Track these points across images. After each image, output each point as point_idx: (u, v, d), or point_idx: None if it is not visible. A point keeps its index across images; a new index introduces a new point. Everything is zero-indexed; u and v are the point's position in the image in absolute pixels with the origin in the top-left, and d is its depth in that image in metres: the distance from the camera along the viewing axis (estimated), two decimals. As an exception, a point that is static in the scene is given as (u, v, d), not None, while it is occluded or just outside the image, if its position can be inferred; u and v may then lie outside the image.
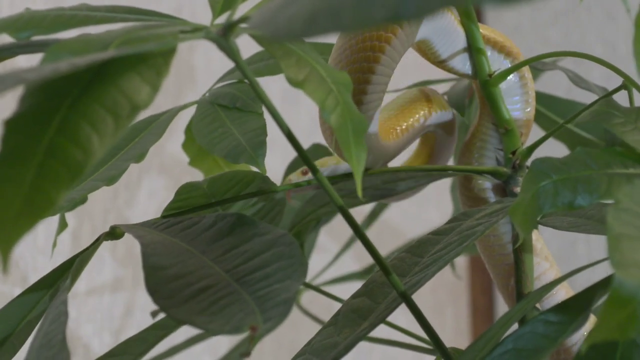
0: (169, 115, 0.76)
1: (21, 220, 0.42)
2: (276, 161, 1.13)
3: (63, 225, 0.78)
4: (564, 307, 0.50)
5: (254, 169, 0.70)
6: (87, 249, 0.61)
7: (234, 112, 0.73)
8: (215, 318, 0.46)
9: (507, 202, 0.60)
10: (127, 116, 0.44)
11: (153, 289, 0.48)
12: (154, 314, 0.91)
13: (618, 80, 0.62)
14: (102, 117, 0.44)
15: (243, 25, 0.49)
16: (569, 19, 1.60)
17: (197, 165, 0.85)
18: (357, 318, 0.59)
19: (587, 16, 1.57)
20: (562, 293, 0.68)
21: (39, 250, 1.09)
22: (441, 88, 0.93)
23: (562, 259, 1.53)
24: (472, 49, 0.65)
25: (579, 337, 0.65)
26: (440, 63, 0.66)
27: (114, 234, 0.62)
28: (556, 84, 0.91)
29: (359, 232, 0.52)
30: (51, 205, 0.42)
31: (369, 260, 1.05)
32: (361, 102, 0.63)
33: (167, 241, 0.54)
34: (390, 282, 0.53)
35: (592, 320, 0.63)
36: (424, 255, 0.60)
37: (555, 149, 0.86)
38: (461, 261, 1.67)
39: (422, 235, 1.04)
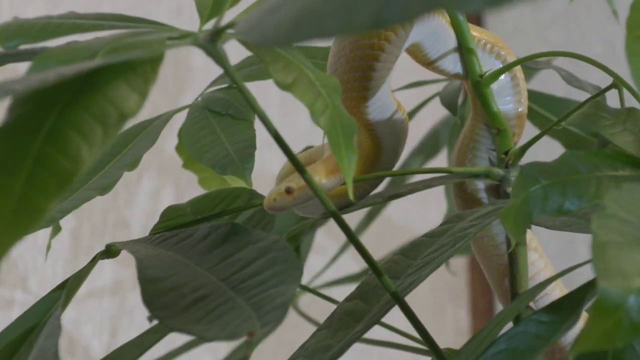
0: (162, 120, 0.75)
1: (11, 230, 0.42)
2: (276, 161, 1.12)
3: (57, 229, 0.78)
4: (556, 307, 0.50)
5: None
6: (83, 268, 0.61)
7: (225, 119, 0.73)
8: (212, 326, 0.46)
9: (500, 203, 0.60)
10: (116, 124, 0.44)
11: (150, 301, 0.49)
12: (150, 318, 0.91)
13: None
14: (91, 126, 0.44)
15: (230, 31, 0.49)
16: (569, 19, 1.60)
17: (191, 167, 0.85)
18: (351, 320, 0.60)
19: (587, 16, 1.57)
20: (557, 292, 0.68)
21: (39, 251, 1.10)
22: (434, 88, 0.93)
23: (561, 259, 1.53)
24: (463, 50, 0.65)
25: (573, 337, 0.65)
26: (430, 64, 0.66)
27: (109, 252, 0.62)
28: (554, 84, 0.91)
29: (350, 235, 0.52)
30: (41, 215, 0.42)
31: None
32: (365, 97, 0.64)
33: (162, 254, 0.54)
34: (382, 283, 0.53)
35: (584, 317, 0.63)
36: (417, 257, 0.60)
37: (550, 147, 0.85)
38: (461, 261, 1.67)
39: (415, 237, 1.04)
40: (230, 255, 0.50)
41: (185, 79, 1.26)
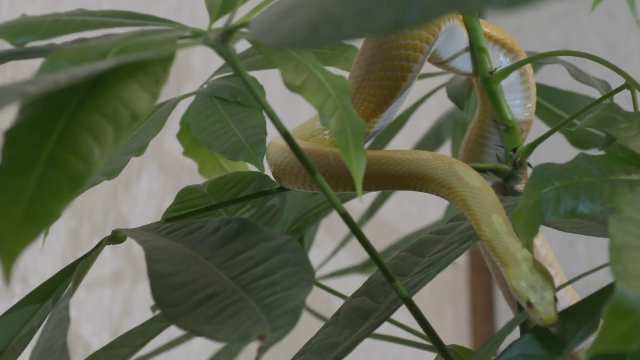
0: (168, 107, 0.75)
1: (23, 232, 0.42)
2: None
3: None
4: (571, 314, 0.50)
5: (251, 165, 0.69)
6: (89, 253, 0.61)
7: (233, 106, 0.73)
8: (223, 327, 0.45)
9: (508, 201, 0.60)
10: (128, 125, 0.44)
11: (159, 297, 0.48)
12: (154, 308, 0.91)
13: (618, 80, 0.62)
14: (103, 126, 0.43)
15: (244, 30, 0.48)
16: (569, 19, 1.60)
17: (192, 156, 0.85)
18: (358, 318, 0.59)
19: (587, 16, 1.57)
20: (568, 299, 0.68)
21: (39, 251, 1.09)
22: (439, 80, 0.92)
23: (562, 259, 1.52)
24: (475, 49, 0.65)
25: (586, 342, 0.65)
26: (442, 64, 0.66)
27: (116, 238, 0.62)
28: (555, 80, 0.91)
29: (364, 241, 0.52)
30: (53, 217, 0.42)
31: (365, 256, 1.04)
32: (388, 104, 0.64)
33: (171, 247, 0.53)
34: (394, 288, 0.53)
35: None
36: (425, 255, 0.60)
37: (553, 143, 0.85)
38: (461, 261, 1.66)
39: (419, 230, 1.04)
40: (240, 253, 0.50)
41: (185, 79, 1.25)
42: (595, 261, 1.57)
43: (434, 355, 0.76)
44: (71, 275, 0.60)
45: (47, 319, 0.57)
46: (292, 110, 1.34)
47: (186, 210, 0.67)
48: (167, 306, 0.47)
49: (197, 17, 1.23)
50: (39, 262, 1.09)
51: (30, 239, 0.42)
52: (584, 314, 0.48)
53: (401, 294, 0.52)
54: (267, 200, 0.69)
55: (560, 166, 0.48)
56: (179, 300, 0.48)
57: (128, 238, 0.80)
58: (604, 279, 0.52)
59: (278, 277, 0.47)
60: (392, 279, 0.52)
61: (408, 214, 1.57)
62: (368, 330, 0.57)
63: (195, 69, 1.27)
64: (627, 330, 0.36)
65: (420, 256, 0.60)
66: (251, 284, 0.47)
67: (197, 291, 0.48)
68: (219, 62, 0.79)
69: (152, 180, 1.23)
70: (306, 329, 0.72)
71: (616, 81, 0.63)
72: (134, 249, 1.20)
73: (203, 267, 0.50)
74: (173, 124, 0.82)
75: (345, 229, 1.09)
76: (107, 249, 1.17)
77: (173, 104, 0.76)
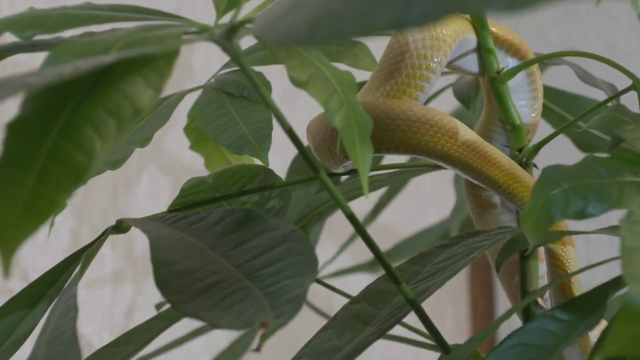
0: (175, 99, 0.75)
1: (23, 224, 0.42)
2: (277, 160, 1.12)
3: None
4: (574, 305, 0.50)
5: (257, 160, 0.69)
6: (93, 242, 0.61)
7: (240, 100, 0.73)
8: (226, 314, 0.45)
9: (513, 231, 0.60)
10: (130, 119, 0.44)
11: (162, 284, 0.48)
12: (158, 306, 0.91)
13: (619, 80, 0.62)
14: (105, 120, 0.43)
15: (249, 25, 0.48)
16: (569, 19, 1.59)
17: (198, 150, 0.85)
18: (358, 323, 0.59)
19: (587, 16, 1.56)
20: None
21: (38, 249, 1.09)
22: (445, 80, 0.92)
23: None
24: (482, 50, 0.65)
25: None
26: (448, 64, 0.66)
27: (120, 227, 0.62)
28: (560, 84, 0.91)
29: (370, 243, 0.52)
30: (53, 209, 0.42)
31: (366, 257, 1.04)
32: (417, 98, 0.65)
33: (176, 236, 0.53)
34: (399, 290, 0.52)
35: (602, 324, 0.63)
36: (427, 265, 0.59)
37: (558, 144, 0.85)
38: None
39: (420, 232, 1.03)
40: (244, 242, 0.50)
41: (185, 78, 1.25)
42: (593, 261, 1.57)
43: (433, 353, 0.76)
44: (71, 267, 0.60)
45: (51, 307, 0.57)
46: (291, 108, 1.34)
47: (191, 202, 0.67)
48: (170, 293, 0.48)
49: (198, 17, 1.22)
50: (39, 261, 1.09)
51: (30, 231, 0.42)
52: (587, 306, 0.48)
53: (407, 295, 0.52)
54: (270, 197, 0.69)
55: (569, 167, 0.47)
56: (183, 287, 0.48)
57: (129, 238, 0.80)
58: (600, 279, 0.52)
59: (282, 266, 0.47)
60: (399, 281, 0.52)
61: (408, 215, 1.57)
62: (375, 335, 0.57)
63: (196, 70, 1.27)
64: (638, 333, 0.36)
65: (422, 266, 0.60)
66: (255, 272, 0.47)
67: (200, 279, 0.48)
68: (219, 62, 0.79)
69: (152, 179, 1.23)
70: (308, 327, 0.72)
71: (617, 81, 0.63)
72: (134, 248, 1.20)
73: (207, 256, 0.50)
74: (173, 123, 0.82)
75: (347, 231, 1.09)
76: (108, 249, 1.17)
77: (179, 96, 0.76)
